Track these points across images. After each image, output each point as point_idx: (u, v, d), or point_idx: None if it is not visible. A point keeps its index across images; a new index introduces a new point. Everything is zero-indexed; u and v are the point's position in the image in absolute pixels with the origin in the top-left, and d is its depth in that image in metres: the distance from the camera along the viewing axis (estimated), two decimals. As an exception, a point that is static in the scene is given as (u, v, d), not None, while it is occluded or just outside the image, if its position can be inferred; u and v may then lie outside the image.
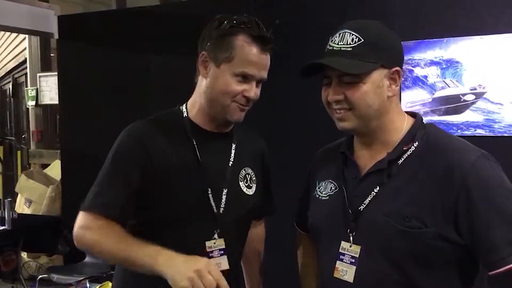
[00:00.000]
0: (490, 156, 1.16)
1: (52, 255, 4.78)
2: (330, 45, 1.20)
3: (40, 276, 3.92)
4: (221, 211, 1.45)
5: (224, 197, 1.45)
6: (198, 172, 1.44)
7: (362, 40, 1.15)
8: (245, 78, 1.38)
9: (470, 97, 2.93)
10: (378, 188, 1.17)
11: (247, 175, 1.53)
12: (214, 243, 1.43)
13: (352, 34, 1.15)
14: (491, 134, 2.85)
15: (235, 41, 1.37)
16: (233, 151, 1.51)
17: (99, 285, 4.31)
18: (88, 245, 1.35)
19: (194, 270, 1.16)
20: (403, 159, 1.17)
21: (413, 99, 3.05)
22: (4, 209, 3.85)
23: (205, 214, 1.43)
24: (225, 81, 1.38)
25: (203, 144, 1.47)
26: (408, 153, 1.17)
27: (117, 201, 1.36)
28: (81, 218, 1.35)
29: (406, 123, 1.22)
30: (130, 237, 1.31)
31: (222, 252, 1.44)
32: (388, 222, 1.13)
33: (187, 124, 1.48)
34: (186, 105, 1.52)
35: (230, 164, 1.49)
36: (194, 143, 1.46)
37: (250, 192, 1.52)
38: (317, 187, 1.34)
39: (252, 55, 1.37)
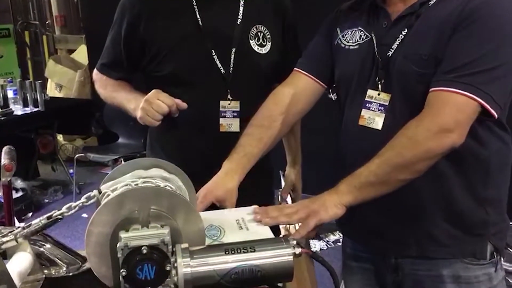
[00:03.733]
0: None
1: (87, 138, 4.96)
2: None
3: (77, 156, 4.08)
4: (230, 71, 1.43)
5: (232, 57, 1.43)
6: (200, 34, 1.42)
7: None
8: None
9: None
10: (406, 31, 1.13)
11: (259, 33, 1.47)
12: (229, 104, 1.44)
13: None
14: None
15: None
16: (241, 8, 1.45)
17: (134, 165, 4.51)
18: (99, 92, 1.60)
19: (144, 100, 1.37)
20: (434, 0, 1.11)
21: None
22: (36, 91, 3.90)
23: (213, 76, 1.43)
24: None
25: (206, 4, 1.43)
26: None
27: (112, 63, 1.54)
28: (94, 73, 1.62)
29: None
30: (121, 87, 1.54)
31: (235, 114, 1.45)
32: (408, 65, 1.10)
33: None
34: None
35: (238, 23, 1.44)
36: (194, 2, 1.43)
37: (263, 50, 1.47)
38: (340, 35, 1.27)
39: None
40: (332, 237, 3.28)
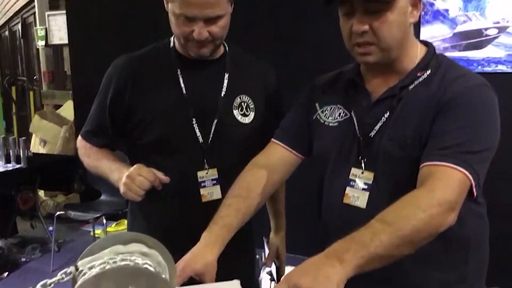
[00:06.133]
0: (492, 89, 1.13)
1: (69, 194, 4.88)
2: None
3: (58, 213, 4.00)
4: (209, 142, 1.45)
5: (213, 128, 1.45)
6: (183, 102, 1.44)
7: None
8: (189, 18, 1.33)
9: (493, 32, 2.81)
10: (388, 114, 1.16)
11: (242, 103, 1.50)
12: (206, 173, 1.45)
13: None
14: (513, 71, 2.76)
15: None
16: (226, 80, 1.48)
17: (115, 222, 4.42)
18: (82, 160, 1.60)
19: (126, 176, 1.37)
20: (413, 85, 1.16)
21: (433, 34, 2.94)
22: (19, 148, 3.88)
23: (191, 145, 1.45)
24: (173, 22, 1.38)
25: (191, 74, 1.46)
26: (420, 79, 1.16)
27: (97, 130, 1.55)
28: (78, 140, 1.63)
29: (420, 51, 1.20)
30: (104, 156, 1.54)
31: (214, 182, 1.46)
32: (393, 148, 1.13)
33: (173, 54, 1.48)
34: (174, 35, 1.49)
35: (222, 94, 1.47)
36: (179, 72, 1.46)
37: (246, 120, 1.49)
38: (319, 111, 1.29)
39: None
40: None
